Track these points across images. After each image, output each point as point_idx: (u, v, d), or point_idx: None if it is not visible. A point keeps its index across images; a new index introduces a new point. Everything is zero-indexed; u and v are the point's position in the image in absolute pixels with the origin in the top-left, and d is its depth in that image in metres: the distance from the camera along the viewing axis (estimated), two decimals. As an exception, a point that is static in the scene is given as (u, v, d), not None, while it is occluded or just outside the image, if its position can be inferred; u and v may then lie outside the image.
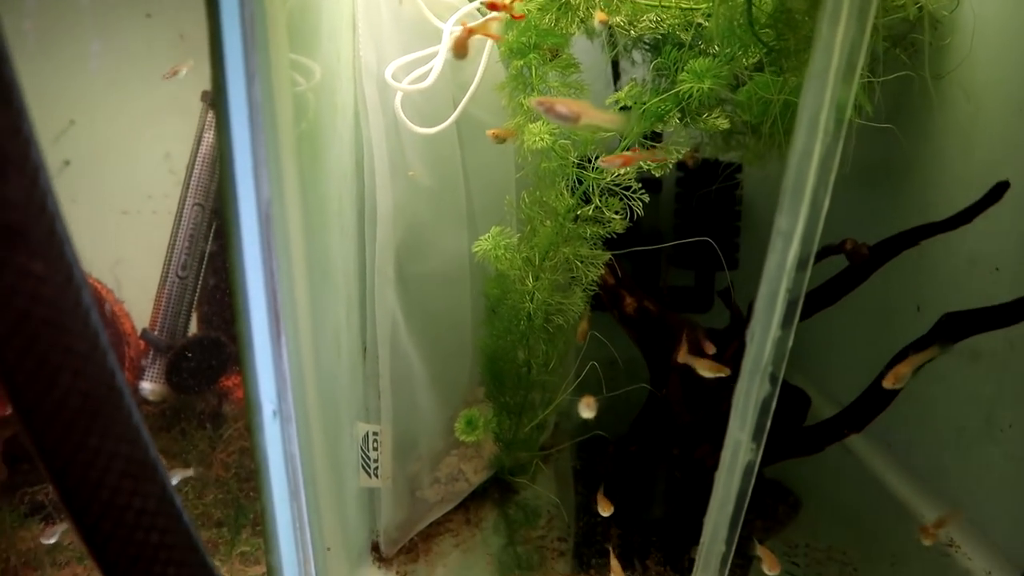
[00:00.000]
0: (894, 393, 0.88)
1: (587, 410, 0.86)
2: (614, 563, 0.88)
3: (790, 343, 0.64)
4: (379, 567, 0.98)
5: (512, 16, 0.86)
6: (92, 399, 0.45)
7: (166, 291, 1.23)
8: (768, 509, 1.13)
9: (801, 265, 0.62)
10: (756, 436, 0.68)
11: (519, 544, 1.07)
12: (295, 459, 0.66)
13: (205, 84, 1.30)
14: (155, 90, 1.33)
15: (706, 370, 0.83)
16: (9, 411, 0.41)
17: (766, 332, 0.65)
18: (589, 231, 0.92)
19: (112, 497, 0.47)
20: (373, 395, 0.97)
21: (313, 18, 0.81)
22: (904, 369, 0.80)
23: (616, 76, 1.17)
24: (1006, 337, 0.85)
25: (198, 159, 1.24)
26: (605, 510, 0.94)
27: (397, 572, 0.98)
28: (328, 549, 0.69)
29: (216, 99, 0.57)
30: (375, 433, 0.96)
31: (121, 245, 1.34)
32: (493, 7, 0.85)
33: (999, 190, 0.77)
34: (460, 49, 0.83)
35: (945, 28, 0.98)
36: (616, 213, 0.91)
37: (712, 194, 1.36)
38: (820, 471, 1.21)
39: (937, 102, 0.98)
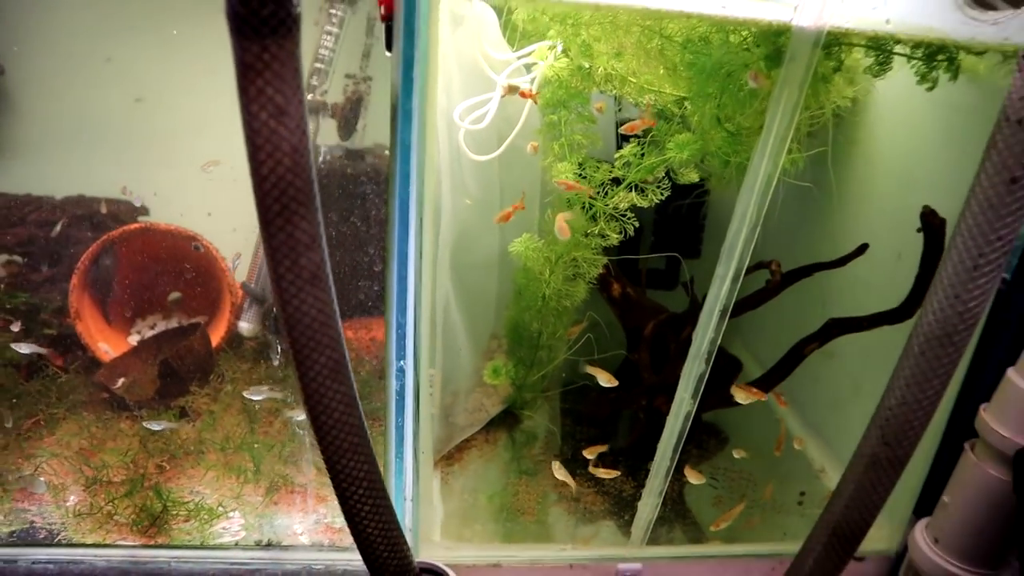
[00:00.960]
0: (790, 370, 1.29)
1: (606, 382, 1.25)
2: (593, 460, 1.30)
3: (719, 340, 1.03)
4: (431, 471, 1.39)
5: (533, 101, 1.22)
6: (336, 363, 0.81)
7: (260, 256, 1.58)
8: (704, 443, 1.55)
9: (728, 298, 1.00)
10: (694, 395, 1.07)
11: (523, 457, 1.47)
12: (408, 397, 1.04)
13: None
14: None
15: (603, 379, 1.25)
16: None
17: (704, 334, 1.04)
18: (594, 242, 1.30)
19: (340, 417, 0.83)
20: (432, 349, 1.35)
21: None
22: (740, 393, 1.22)
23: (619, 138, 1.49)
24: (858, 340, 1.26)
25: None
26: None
27: (441, 471, 1.38)
28: (423, 453, 1.09)
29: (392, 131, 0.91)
30: (431, 375, 1.34)
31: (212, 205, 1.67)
32: (517, 92, 1.21)
33: (861, 249, 1.16)
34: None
35: (861, 106, 1.35)
36: (615, 233, 1.28)
37: (684, 206, 1.73)
38: (746, 418, 1.63)
39: (844, 165, 1.37)
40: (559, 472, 1.30)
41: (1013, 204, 0.79)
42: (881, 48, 0.99)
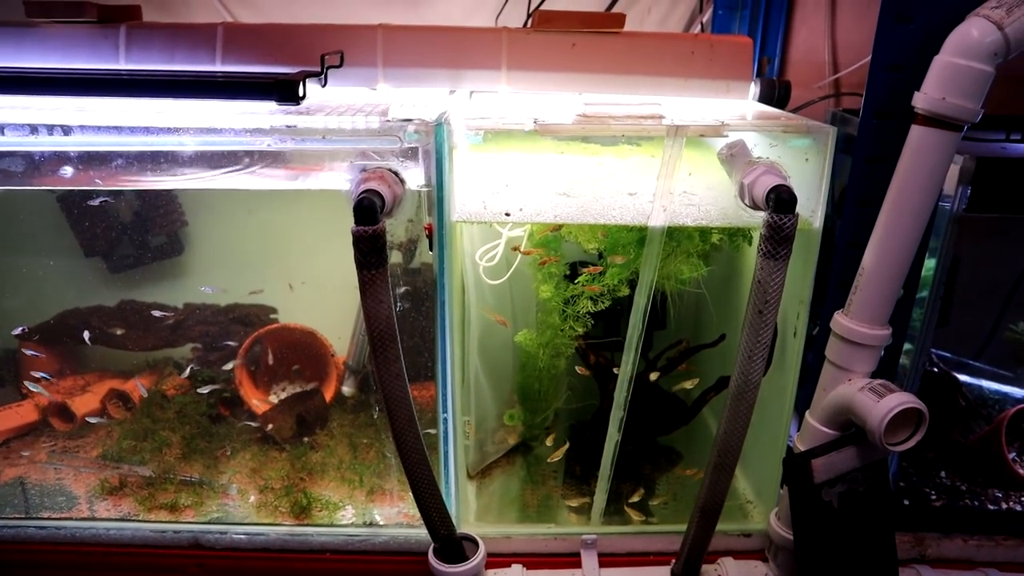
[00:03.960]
0: (698, 411, 1.99)
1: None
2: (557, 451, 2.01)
3: (629, 397, 1.74)
4: (469, 480, 2.12)
5: (526, 254, 1.96)
6: (409, 417, 1.54)
7: (355, 339, 2.36)
8: (657, 461, 2.24)
9: (632, 373, 1.72)
10: (618, 430, 1.79)
11: (533, 472, 2.19)
12: (450, 435, 1.78)
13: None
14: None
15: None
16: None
17: (620, 393, 1.76)
18: (567, 334, 2.03)
19: (412, 444, 1.57)
20: (468, 403, 2.09)
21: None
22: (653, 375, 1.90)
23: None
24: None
25: (372, 271, 2.35)
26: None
27: (476, 481, 2.11)
28: (460, 468, 1.83)
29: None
30: (467, 421, 2.08)
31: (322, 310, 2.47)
32: (520, 250, 1.95)
33: (722, 338, 1.86)
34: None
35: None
36: (582, 327, 2.00)
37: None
38: (695, 440, 2.30)
39: (738, 274, 2.07)
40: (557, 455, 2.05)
41: (762, 324, 1.48)
42: (703, 230, 1.71)
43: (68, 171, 1.66)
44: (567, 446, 2.07)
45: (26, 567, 1.92)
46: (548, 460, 2.06)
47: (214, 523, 1.93)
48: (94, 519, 1.95)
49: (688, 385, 1.99)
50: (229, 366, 2.29)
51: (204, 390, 2.24)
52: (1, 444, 2.21)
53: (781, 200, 1.43)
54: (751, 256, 1.97)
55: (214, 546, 1.90)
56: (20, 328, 2.33)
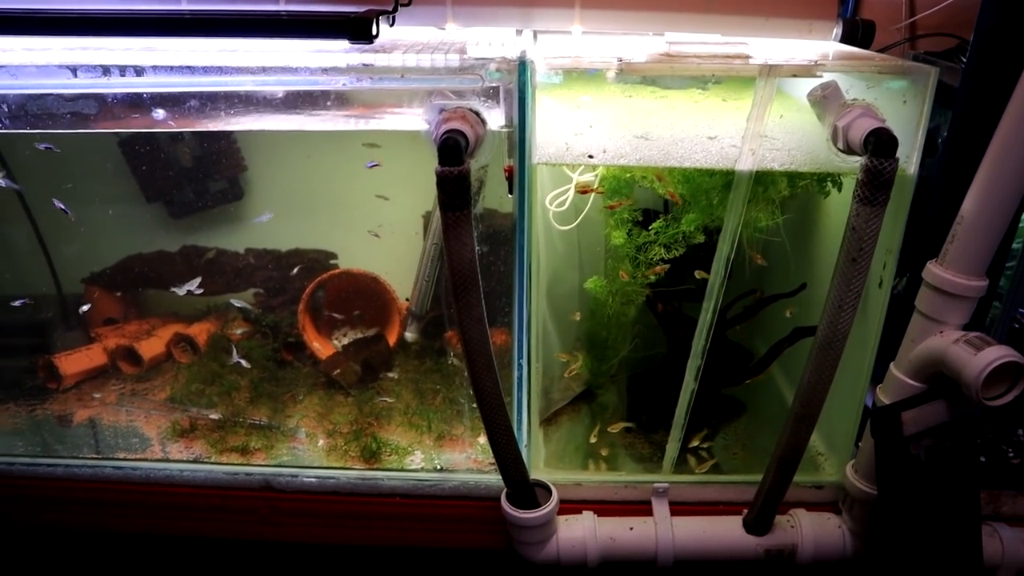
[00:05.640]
0: (771, 362, 1.95)
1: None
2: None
3: (707, 345, 1.71)
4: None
5: (599, 192, 1.91)
6: (488, 362, 1.53)
7: (418, 286, 2.34)
8: (722, 412, 2.21)
9: (711, 320, 1.68)
10: (695, 379, 1.76)
11: (598, 418, 2.18)
12: (524, 380, 1.76)
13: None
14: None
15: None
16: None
17: (698, 342, 1.72)
18: (640, 281, 1.99)
19: (490, 390, 1.56)
20: (537, 349, 2.07)
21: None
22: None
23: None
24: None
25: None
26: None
27: (544, 428, 2.11)
28: (533, 416, 1.81)
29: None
30: (537, 366, 2.06)
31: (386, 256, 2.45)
32: (585, 190, 1.90)
33: (802, 287, 1.81)
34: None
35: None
36: (654, 275, 1.96)
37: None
38: (759, 393, 2.27)
39: (817, 223, 2.00)
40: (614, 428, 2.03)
41: (855, 272, 1.43)
42: (791, 175, 1.65)
43: (145, 113, 1.64)
44: (623, 424, 2.10)
45: (103, 505, 1.97)
46: (608, 430, 2.05)
47: (285, 466, 1.95)
48: (167, 460, 1.99)
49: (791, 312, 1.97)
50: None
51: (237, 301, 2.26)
52: (73, 386, 2.25)
53: (881, 143, 1.36)
54: (831, 204, 1.91)
55: (285, 489, 1.92)
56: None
